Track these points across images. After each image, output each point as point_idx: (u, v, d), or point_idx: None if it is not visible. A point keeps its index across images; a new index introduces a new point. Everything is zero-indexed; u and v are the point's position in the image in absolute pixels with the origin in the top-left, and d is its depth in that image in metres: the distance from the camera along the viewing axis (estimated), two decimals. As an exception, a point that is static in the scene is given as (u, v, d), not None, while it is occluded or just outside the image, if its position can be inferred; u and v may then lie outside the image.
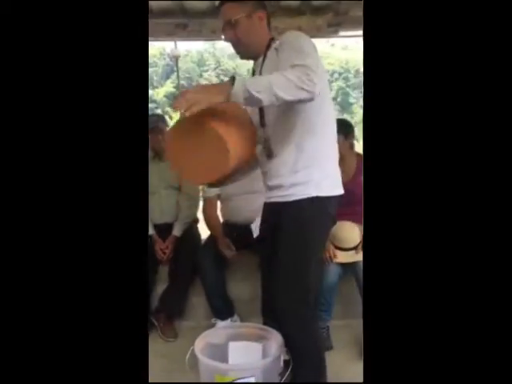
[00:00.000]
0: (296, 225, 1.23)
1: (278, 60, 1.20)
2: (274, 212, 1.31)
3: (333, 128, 1.29)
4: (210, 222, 2.21)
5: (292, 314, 1.27)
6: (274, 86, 1.03)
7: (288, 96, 1.05)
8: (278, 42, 1.25)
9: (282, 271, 1.26)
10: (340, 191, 1.29)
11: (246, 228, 2.09)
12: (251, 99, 1.05)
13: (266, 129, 1.28)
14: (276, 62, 1.19)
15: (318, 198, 1.21)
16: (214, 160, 1.11)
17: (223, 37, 1.29)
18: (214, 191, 2.14)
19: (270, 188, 1.31)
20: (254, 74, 1.34)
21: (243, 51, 1.32)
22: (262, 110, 1.27)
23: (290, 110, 1.21)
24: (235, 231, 2.13)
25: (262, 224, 1.49)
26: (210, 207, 2.21)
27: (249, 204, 2.07)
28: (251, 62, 1.38)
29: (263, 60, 1.28)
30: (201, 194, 2.33)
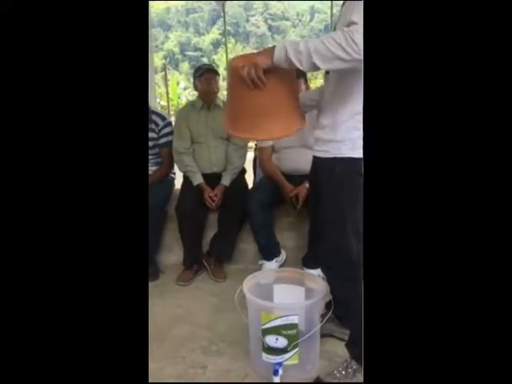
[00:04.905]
0: (330, 183, 1.23)
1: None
2: (315, 166, 1.33)
3: None
4: (267, 169, 2.28)
5: (334, 272, 1.29)
6: (313, 54, 1.03)
7: (324, 66, 1.05)
8: None
9: (323, 230, 1.28)
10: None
11: (294, 178, 2.16)
12: (292, 66, 1.07)
13: (327, 82, 1.26)
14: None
15: (351, 158, 1.19)
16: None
17: None
18: (268, 142, 2.22)
19: (315, 140, 1.31)
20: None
21: None
22: None
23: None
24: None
25: (309, 176, 1.50)
26: (265, 156, 2.28)
27: (300, 157, 2.11)
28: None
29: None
30: (254, 144, 2.36)
